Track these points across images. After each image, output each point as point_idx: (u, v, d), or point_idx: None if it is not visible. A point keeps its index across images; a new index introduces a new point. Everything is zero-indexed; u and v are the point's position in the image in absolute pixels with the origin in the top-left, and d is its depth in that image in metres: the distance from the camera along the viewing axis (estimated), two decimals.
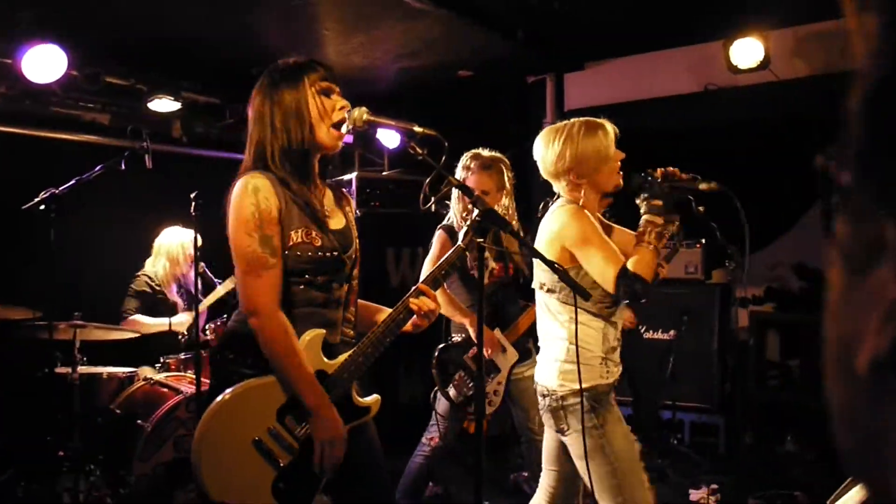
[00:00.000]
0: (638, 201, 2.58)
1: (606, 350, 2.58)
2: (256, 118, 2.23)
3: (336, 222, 2.30)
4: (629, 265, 2.46)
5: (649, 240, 2.48)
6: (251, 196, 2.12)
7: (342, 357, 2.22)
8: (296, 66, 2.25)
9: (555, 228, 2.58)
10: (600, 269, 2.48)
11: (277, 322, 2.10)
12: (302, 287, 2.18)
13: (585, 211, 2.58)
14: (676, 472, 4.79)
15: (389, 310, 2.31)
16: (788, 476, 4.54)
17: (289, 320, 2.15)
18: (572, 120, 2.66)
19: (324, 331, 2.20)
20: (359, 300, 2.44)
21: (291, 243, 2.15)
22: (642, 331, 5.39)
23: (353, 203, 2.48)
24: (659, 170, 2.58)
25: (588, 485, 2.56)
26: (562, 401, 2.56)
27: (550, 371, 2.63)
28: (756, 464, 4.84)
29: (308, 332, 2.17)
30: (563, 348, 2.60)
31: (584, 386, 2.49)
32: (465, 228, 2.19)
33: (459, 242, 2.26)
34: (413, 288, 2.28)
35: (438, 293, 3.57)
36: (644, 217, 2.53)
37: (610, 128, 2.66)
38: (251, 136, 2.24)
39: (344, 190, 2.47)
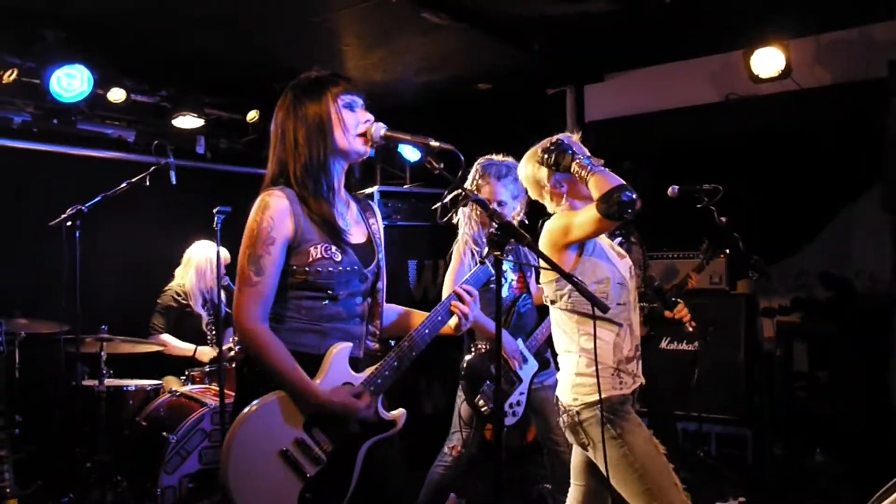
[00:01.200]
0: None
1: (618, 360, 2.57)
2: (279, 134, 2.24)
3: (357, 237, 2.31)
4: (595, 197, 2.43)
5: (582, 174, 2.46)
6: (258, 213, 2.15)
7: (368, 370, 2.23)
8: (318, 80, 2.26)
9: (543, 240, 2.61)
10: (587, 217, 2.46)
11: (259, 335, 2.12)
12: (325, 303, 2.19)
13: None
14: (704, 485, 4.74)
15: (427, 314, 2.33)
16: (817, 488, 4.47)
17: (313, 336, 2.18)
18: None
19: (350, 344, 2.21)
20: (402, 307, 2.47)
21: (311, 259, 2.16)
22: (665, 342, 5.35)
23: (379, 216, 2.47)
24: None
25: (620, 496, 2.55)
26: (577, 416, 2.56)
27: (565, 386, 2.64)
28: (784, 476, 4.78)
29: (335, 345, 2.19)
30: (573, 360, 2.61)
31: (598, 398, 2.48)
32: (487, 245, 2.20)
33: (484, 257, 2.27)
34: (450, 293, 2.30)
35: None
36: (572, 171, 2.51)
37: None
38: (274, 152, 2.25)
39: (370, 203, 2.47)
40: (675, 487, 2.50)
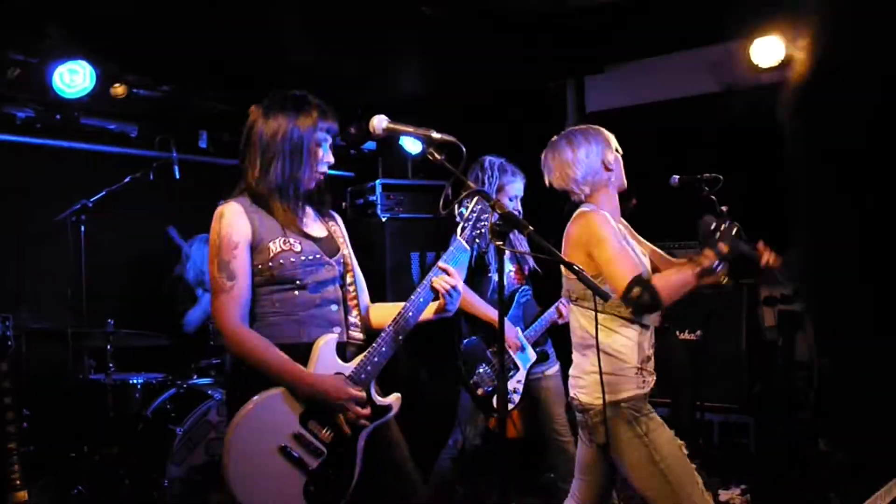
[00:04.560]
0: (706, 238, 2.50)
1: (642, 360, 2.57)
2: (259, 143, 2.33)
3: (317, 232, 2.39)
4: (655, 277, 2.46)
5: (693, 269, 2.43)
6: (216, 223, 2.27)
7: (358, 358, 2.28)
8: (304, 102, 2.36)
9: (574, 233, 2.60)
10: (612, 271, 2.46)
11: (242, 336, 2.20)
12: (295, 293, 2.26)
13: (605, 214, 2.60)
14: (706, 473, 4.75)
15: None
16: (819, 477, 4.49)
17: (291, 325, 2.24)
18: (566, 130, 2.72)
19: (336, 335, 2.28)
20: (382, 304, 2.50)
21: (272, 254, 2.24)
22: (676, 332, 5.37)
23: (339, 220, 2.55)
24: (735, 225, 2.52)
25: (641, 496, 2.55)
26: (601, 415, 2.52)
27: (584, 385, 2.60)
28: (787, 464, 4.80)
29: (322, 337, 2.25)
30: (594, 359, 2.53)
31: (622, 396, 2.50)
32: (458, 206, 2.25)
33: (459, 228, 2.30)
34: (431, 270, 2.31)
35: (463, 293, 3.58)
36: (704, 251, 2.46)
37: (603, 133, 2.69)
38: (251, 159, 2.34)
39: (329, 211, 2.53)
40: (698, 487, 2.49)
